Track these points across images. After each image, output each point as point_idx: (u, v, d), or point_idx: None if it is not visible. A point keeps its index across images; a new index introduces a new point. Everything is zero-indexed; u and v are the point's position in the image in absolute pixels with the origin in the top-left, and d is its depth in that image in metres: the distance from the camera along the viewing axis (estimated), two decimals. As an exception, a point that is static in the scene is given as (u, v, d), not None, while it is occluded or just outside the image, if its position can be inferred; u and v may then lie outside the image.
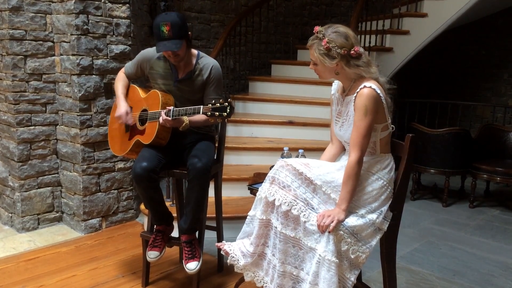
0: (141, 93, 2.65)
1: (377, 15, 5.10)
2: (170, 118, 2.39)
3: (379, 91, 1.96)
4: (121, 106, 2.63)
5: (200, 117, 2.46)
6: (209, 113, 2.26)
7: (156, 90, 2.56)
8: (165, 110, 2.41)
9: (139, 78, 2.82)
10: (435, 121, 5.72)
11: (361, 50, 2.00)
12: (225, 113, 2.24)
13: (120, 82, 2.73)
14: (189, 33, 2.48)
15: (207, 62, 2.58)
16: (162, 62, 2.58)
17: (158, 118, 2.43)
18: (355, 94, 1.98)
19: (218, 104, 2.25)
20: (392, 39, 5.08)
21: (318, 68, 2.06)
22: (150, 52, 2.60)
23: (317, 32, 2.00)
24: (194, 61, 2.57)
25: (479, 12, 5.54)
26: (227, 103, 2.24)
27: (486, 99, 6.35)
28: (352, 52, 1.97)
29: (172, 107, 2.41)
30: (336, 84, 2.21)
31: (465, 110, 6.23)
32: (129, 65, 2.74)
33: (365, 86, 1.95)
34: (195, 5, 5.20)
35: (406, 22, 5.12)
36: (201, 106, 2.31)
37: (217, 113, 2.25)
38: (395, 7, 5.45)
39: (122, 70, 2.77)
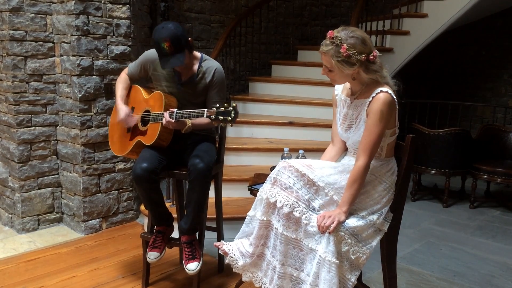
0: (144, 94, 2.65)
1: (377, 15, 5.11)
2: (173, 120, 2.38)
3: (394, 97, 1.94)
4: (121, 110, 2.63)
5: (202, 119, 2.45)
6: (213, 116, 2.25)
7: (159, 92, 2.55)
8: (168, 112, 2.40)
9: (142, 79, 2.81)
10: (435, 122, 5.72)
11: (378, 53, 1.96)
12: (229, 118, 2.22)
13: (120, 84, 2.72)
14: (189, 39, 2.45)
15: (210, 65, 2.57)
16: None
17: (161, 120, 2.42)
18: (370, 99, 1.95)
19: (223, 108, 2.24)
20: (392, 39, 5.08)
21: (333, 74, 1.99)
22: (153, 53, 2.57)
23: (333, 37, 1.92)
24: (197, 64, 2.57)
25: (479, 12, 5.55)
26: (231, 108, 2.23)
27: (486, 99, 6.35)
28: (371, 57, 1.92)
29: (176, 109, 2.40)
30: (341, 85, 2.19)
31: (465, 111, 6.23)
32: (132, 66, 2.73)
33: (381, 91, 1.92)
34: (195, 6, 5.20)
35: (406, 22, 5.13)
36: (205, 110, 2.30)
37: (221, 117, 2.23)
38: (395, 8, 5.46)
39: (125, 71, 2.76)
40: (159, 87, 2.62)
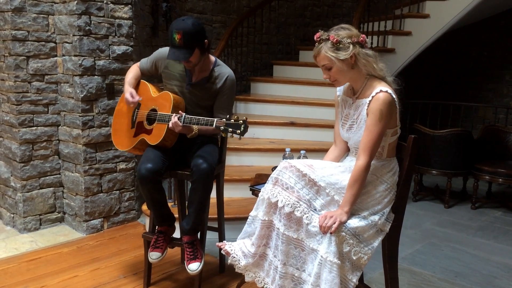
0: (152, 91, 2.63)
1: (379, 16, 5.10)
2: (180, 124, 2.38)
3: (394, 96, 1.95)
4: (125, 90, 2.61)
5: (209, 127, 2.45)
6: (223, 128, 2.24)
7: (168, 92, 2.54)
8: (177, 115, 2.38)
9: (152, 76, 2.80)
10: (437, 122, 5.71)
11: (366, 38, 2.02)
12: (239, 131, 2.21)
13: (130, 73, 2.71)
14: (206, 41, 2.43)
15: (223, 71, 2.56)
16: (177, 63, 2.56)
17: (168, 121, 2.41)
18: (369, 98, 1.96)
19: (233, 120, 2.22)
20: (394, 40, 5.08)
21: (333, 71, 2.00)
22: (167, 51, 2.53)
23: (320, 36, 1.98)
24: (210, 68, 2.55)
25: (481, 13, 5.54)
26: (242, 121, 2.21)
27: (488, 100, 6.35)
28: (361, 39, 1.98)
29: (184, 113, 2.39)
30: (342, 86, 2.20)
31: (467, 111, 6.22)
32: (144, 61, 2.71)
33: (381, 91, 1.93)
34: (197, 6, 5.20)
35: (408, 23, 5.12)
36: (215, 119, 2.28)
37: (231, 129, 2.22)
38: (397, 8, 5.45)
39: (137, 63, 2.74)
40: (169, 85, 2.62)
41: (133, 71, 2.72)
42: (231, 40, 4.90)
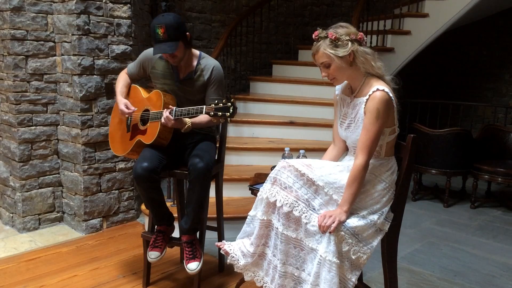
0: (143, 93, 2.66)
1: (378, 15, 5.10)
2: (172, 118, 2.38)
3: (391, 95, 1.95)
4: (119, 102, 2.63)
5: (202, 118, 2.46)
6: (212, 113, 2.25)
7: (158, 91, 2.56)
8: (167, 110, 2.40)
9: (142, 79, 2.82)
10: (436, 122, 5.71)
11: (364, 35, 2.03)
12: (228, 113, 2.23)
13: (120, 82, 2.73)
14: (187, 33, 2.46)
15: (208, 63, 2.58)
16: (163, 62, 2.58)
17: (160, 118, 2.43)
18: (366, 97, 1.97)
19: (221, 104, 2.24)
20: (393, 39, 5.08)
21: (332, 68, 2.01)
22: (152, 51, 2.58)
23: (319, 34, 1.99)
24: (195, 62, 2.57)
25: (480, 12, 5.55)
26: (230, 103, 2.23)
27: (487, 99, 6.35)
28: (359, 36, 1.99)
29: (175, 107, 2.41)
30: (340, 85, 2.20)
31: (466, 111, 6.22)
32: (131, 65, 2.74)
33: (378, 89, 1.93)
34: (196, 5, 5.20)
35: (407, 22, 5.13)
36: (204, 106, 2.30)
37: (220, 113, 2.24)
38: (396, 7, 5.46)
39: (125, 70, 2.77)
40: (158, 85, 2.63)
41: (122, 79, 2.74)
42: (230, 40, 4.89)
